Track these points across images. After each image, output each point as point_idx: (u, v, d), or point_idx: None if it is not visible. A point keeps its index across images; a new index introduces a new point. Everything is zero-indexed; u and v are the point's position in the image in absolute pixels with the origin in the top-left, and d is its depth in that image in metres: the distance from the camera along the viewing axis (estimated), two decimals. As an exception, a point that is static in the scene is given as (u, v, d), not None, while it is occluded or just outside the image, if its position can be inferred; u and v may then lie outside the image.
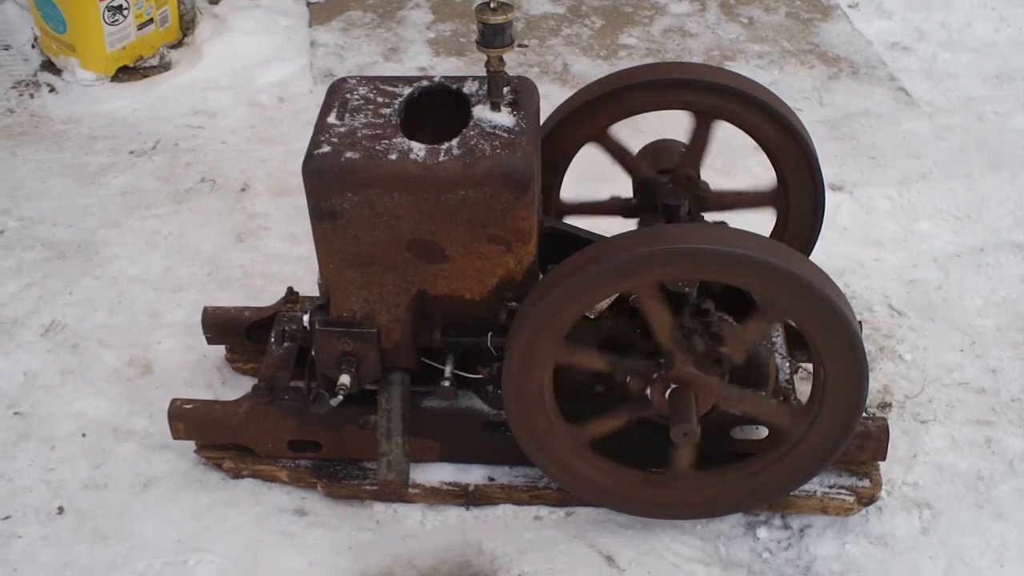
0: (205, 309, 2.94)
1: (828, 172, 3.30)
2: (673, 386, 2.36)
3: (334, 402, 2.46)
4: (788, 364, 2.75)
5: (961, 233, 3.53)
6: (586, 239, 2.61)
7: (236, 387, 2.95)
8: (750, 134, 2.70)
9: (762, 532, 2.64)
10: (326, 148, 2.31)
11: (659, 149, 2.84)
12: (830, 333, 2.27)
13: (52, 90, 4.29)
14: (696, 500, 2.56)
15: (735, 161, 3.56)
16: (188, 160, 3.90)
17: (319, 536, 2.61)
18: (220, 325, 2.93)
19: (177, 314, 3.21)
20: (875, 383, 2.97)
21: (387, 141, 2.31)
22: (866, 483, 2.64)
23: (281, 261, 3.41)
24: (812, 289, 2.22)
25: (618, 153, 2.77)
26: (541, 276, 2.49)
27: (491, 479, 2.67)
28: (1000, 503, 2.70)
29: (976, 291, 3.31)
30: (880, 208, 3.64)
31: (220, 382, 2.99)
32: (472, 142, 2.30)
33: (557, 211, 2.85)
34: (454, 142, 2.31)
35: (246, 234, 3.55)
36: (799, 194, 2.75)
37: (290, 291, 2.87)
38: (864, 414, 2.45)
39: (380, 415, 2.51)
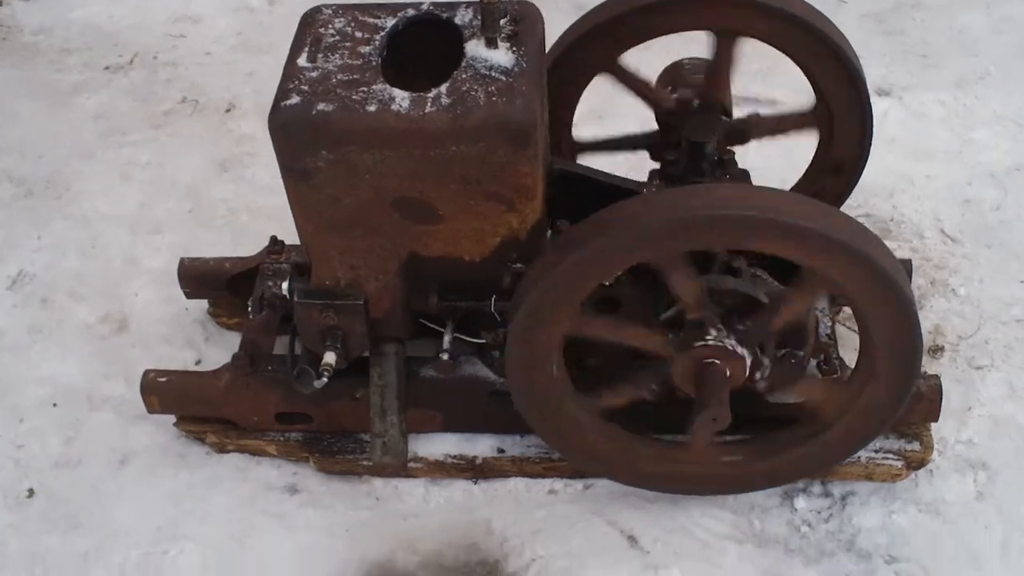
0: (181, 261, 2.67)
1: (874, 74, 2.99)
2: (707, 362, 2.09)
3: (319, 383, 2.20)
4: (829, 317, 2.46)
5: (1022, 142, 3.22)
6: (602, 183, 2.31)
7: (222, 344, 2.71)
8: (782, 51, 2.37)
9: (800, 502, 2.40)
10: (295, 98, 2.01)
11: (681, 71, 2.50)
12: (879, 305, 1.99)
13: (22, -4, 3.96)
14: (733, 473, 2.32)
15: (776, 64, 3.18)
16: (168, 76, 3.59)
17: (311, 516, 2.39)
18: (198, 278, 2.67)
19: (155, 260, 2.93)
20: (926, 323, 2.69)
21: (365, 88, 1.99)
22: (916, 446, 2.40)
23: (269, 192, 3.10)
24: (860, 258, 1.92)
25: (633, 83, 2.45)
26: (550, 232, 2.20)
27: (500, 451, 2.44)
28: (1065, 462, 2.44)
29: (1039, 211, 3.01)
30: (932, 115, 3.34)
31: (203, 339, 2.74)
32: (463, 88, 1.97)
33: (570, 151, 2.54)
34: (443, 88, 1.98)
35: (231, 161, 3.25)
36: (842, 113, 2.45)
37: (274, 240, 2.57)
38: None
39: (373, 391, 2.26)
